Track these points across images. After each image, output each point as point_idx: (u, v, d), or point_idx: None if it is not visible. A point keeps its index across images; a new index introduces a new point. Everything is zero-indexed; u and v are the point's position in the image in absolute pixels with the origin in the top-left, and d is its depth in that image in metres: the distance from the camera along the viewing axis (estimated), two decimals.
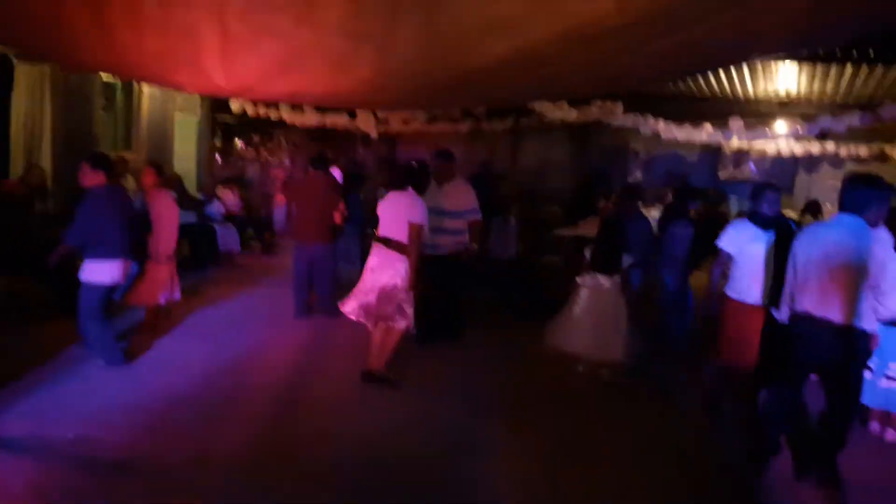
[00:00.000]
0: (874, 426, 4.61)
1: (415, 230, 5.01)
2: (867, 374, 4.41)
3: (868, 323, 3.73)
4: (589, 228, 8.34)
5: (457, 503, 3.63)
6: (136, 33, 3.98)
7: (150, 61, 4.80)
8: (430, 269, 5.71)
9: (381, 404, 4.87)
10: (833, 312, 3.69)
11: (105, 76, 9.77)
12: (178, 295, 6.33)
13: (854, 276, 3.68)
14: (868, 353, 3.96)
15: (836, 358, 3.73)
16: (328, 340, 6.33)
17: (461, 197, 6.14)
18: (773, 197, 4.65)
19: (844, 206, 3.79)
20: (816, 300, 3.75)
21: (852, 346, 3.71)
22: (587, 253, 5.61)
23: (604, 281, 5.43)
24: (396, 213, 5.11)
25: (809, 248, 3.84)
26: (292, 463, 3.92)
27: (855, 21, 3.28)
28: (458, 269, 6.23)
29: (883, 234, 3.90)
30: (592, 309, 5.40)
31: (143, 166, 6.90)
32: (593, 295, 5.44)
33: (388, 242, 5.09)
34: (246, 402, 4.80)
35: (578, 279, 5.61)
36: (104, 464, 3.78)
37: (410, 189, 5.19)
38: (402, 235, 5.04)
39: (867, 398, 4.47)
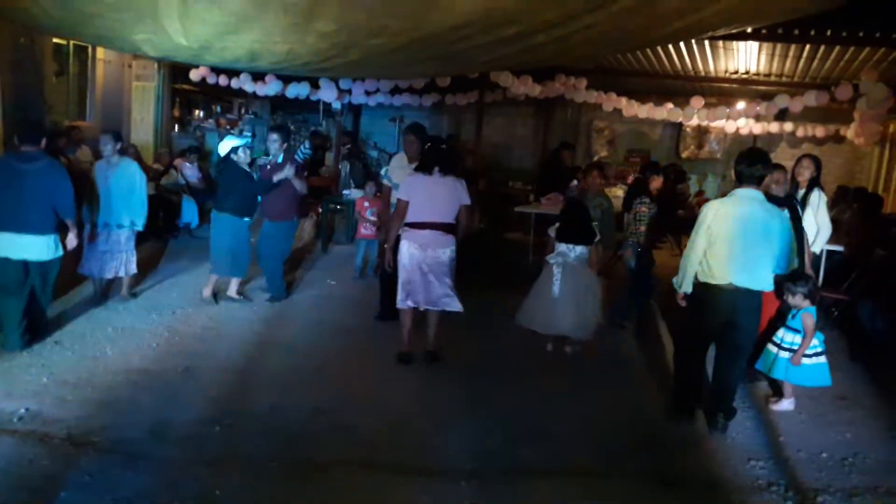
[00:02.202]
0: (785, 403, 4.67)
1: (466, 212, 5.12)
2: (785, 354, 4.55)
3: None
4: (552, 205, 8.40)
5: (414, 466, 3.65)
6: None
7: (105, 19, 4.64)
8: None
9: (339, 376, 4.87)
10: (754, 280, 4.07)
11: (57, 40, 9.45)
12: (133, 268, 6.20)
13: (768, 244, 4.10)
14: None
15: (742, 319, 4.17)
16: (286, 314, 6.27)
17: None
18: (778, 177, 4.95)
19: (743, 180, 4.14)
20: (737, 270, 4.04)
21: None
22: (552, 230, 5.60)
23: (569, 252, 5.40)
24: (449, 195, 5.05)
25: (725, 222, 4.10)
26: (251, 435, 3.90)
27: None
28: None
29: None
30: (562, 286, 5.38)
31: (98, 135, 6.70)
32: (561, 271, 5.42)
33: (433, 226, 5.02)
34: (202, 374, 4.73)
35: (547, 258, 5.60)
36: (58, 438, 3.70)
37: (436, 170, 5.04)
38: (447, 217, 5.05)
39: (792, 377, 4.57)
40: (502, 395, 4.70)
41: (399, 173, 5.63)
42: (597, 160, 13.86)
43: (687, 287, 4.31)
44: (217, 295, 6.44)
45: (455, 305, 5.12)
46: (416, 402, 4.48)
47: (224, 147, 6.11)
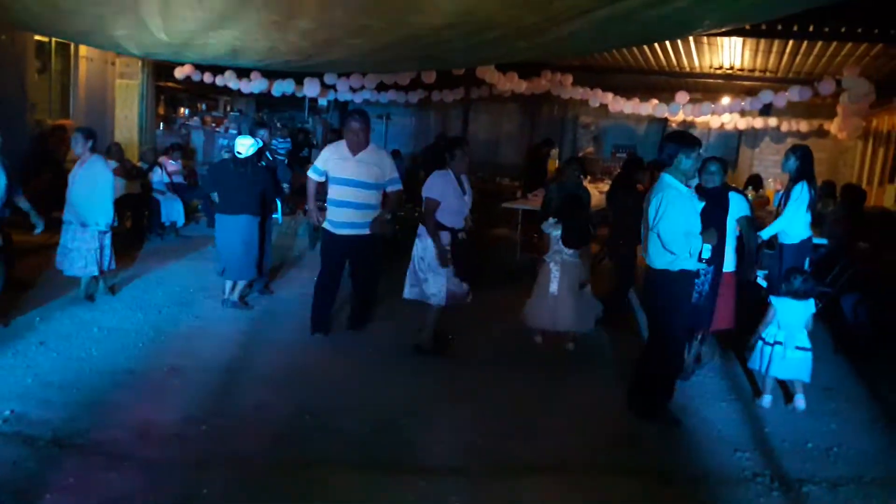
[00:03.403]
0: (767, 399, 4.67)
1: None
2: (775, 349, 4.58)
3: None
4: (539, 201, 8.42)
5: (400, 464, 3.65)
6: None
7: (85, 14, 4.59)
8: (342, 252, 5.47)
9: (329, 374, 4.85)
10: (649, 258, 4.27)
11: (39, 37, 9.35)
12: (112, 265, 6.16)
13: (648, 227, 4.22)
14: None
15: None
16: (273, 313, 6.25)
17: (383, 166, 5.40)
18: (714, 168, 4.79)
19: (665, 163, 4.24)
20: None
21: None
22: (549, 228, 5.62)
23: (570, 255, 5.49)
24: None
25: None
26: (236, 435, 3.88)
27: None
28: (377, 251, 5.68)
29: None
30: (560, 284, 5.46)
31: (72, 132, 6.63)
32: (560, 270, 5.49)
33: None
34: (188, 374, 4.69)
35: (545, 256, 5.65)
36: (44, 440, 3.67)
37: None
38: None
39: (776, 369, 4.61)
40: (489, 390, 4.71)
41: (341, 164, 5.29)
42: (581, 155, 13.93)
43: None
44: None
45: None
46: (403, 400, 4.47)
47: (243, 146, 5.96)
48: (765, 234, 5.79)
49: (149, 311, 5.99)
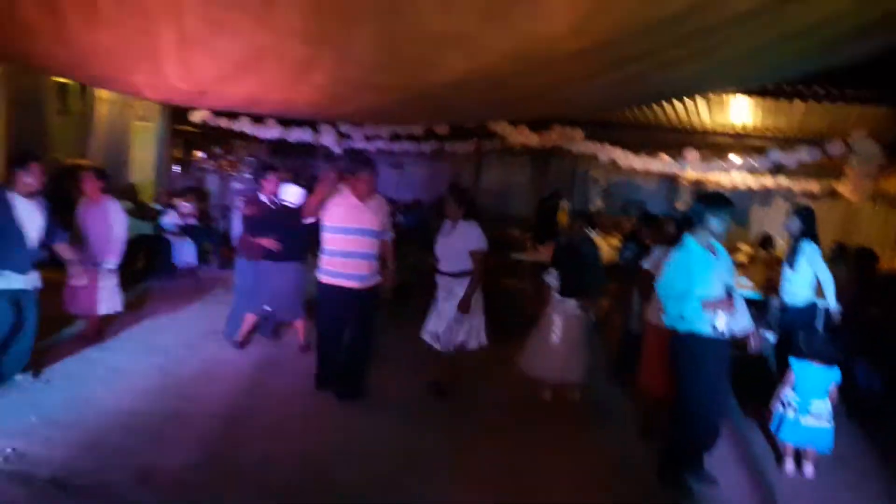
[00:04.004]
0: (789, 463, 4.60)
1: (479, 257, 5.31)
2: (788, 413, 4.54)
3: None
4: (549, 254, 8.43)
5: None
6: (92, 29, 3.91)
7: (106, 59, 4.71)
8: (348, 305, 5.12)
9: (331, 423, 4.80)
10: None
11: (60, 79, 9.57)
12: (119, 306, 6.18)
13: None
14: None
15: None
16: (277, 358, 6.22)
17: (384, 214, 5.28)
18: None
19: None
20: None
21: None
22: (550, 279, 5.64)
23: (571, 306, 5.51)
24: (465, 243, 5.32)
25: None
26: (238, 483, 3.83)
27: (813, 59, 3.39)
28: (377, 305, 5.42)
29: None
30: (562, 334, 5.47)
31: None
32: (562, 321, 5.51)
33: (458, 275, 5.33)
34: (192, 418, 4.66)
35: (547, 307, 5.66)
36: (42, 480, 3.64)
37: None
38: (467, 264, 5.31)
39: (789, 435, 4.55)
40: (492, 444, 4.65)
41: (352, 213, 5.05)
42: (591, 210, 13.99)
43: None
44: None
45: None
46: (405, 453, 4.40)
47: (293, 195, 6.17)
48: (830, 303, 5.69)
49: (156, 352, 5.97)
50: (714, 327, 3.95)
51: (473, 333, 5.45)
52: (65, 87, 10.13)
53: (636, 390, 5.37)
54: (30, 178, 4.79)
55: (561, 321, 5.50)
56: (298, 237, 6.12)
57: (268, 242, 6.04)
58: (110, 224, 5.99)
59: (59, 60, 5.11)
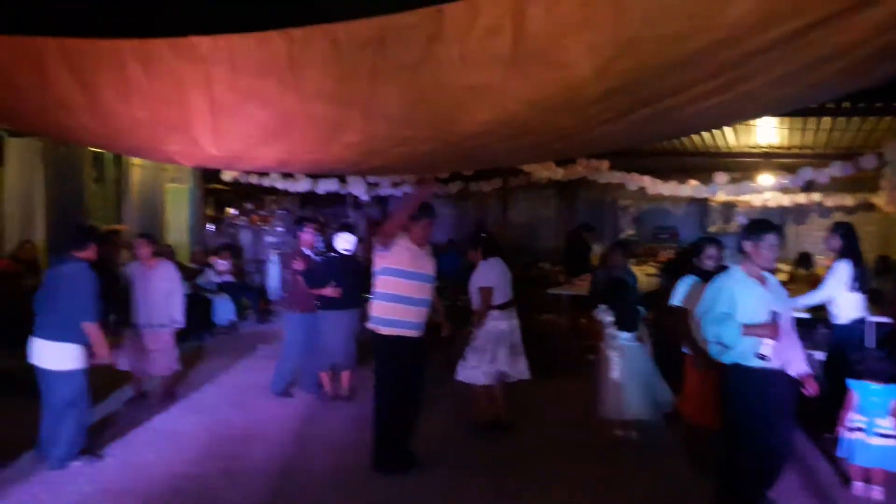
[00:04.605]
0: (858, 486, 4.48)
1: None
2: (857, 436, 4.43)
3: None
4: (585, 286, 8.37)
5: None
6: (123, 101, 4.04)
7: (139, 131, 4.84)
8: (413, 357, 4.75)
9: (387, 480, 4.68)
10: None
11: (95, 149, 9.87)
12: (175, 365, 6.33)
13: None
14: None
15: None
16: (323, 410, 6.23)
17: (432, 260, 5.04)
18: (712, 252, 4.89)
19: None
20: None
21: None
22: (601, 315, 5.58)
23: (625, 339, 5.42)
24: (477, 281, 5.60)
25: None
26: None
27: (843, 82, 3.36)
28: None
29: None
30: (623, 370, 5.35)
31: (134, 238, 6.93)
32: (622, 355, 5.40)
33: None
34: (241, 477, 4.67)
35: (602, 344, 5.58)
36: None
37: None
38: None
39: (858, 457, 4.44)
40: (544, 487, 4.57)
41: (420, 259, 4.79)
42: (623, 238, 13.92)
43: None
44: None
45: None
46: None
47: (348, 242, 6.40)
48: (801, 302, 5.70)
49: (202, 411, 6.03)
50: (760, 356, 3.78)
51: (514, 366, 5.52)
52: (100, 155, 10.44)
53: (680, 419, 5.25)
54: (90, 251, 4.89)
55: (618, 357, 5.39)
56: (356, 284, 6.36)
57: (331, 291, 6.20)
58: (169, 285, 6.19)
59: (94, 133, 5.26)
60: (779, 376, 3.91)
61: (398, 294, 4.65)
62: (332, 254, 6.53)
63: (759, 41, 2.58)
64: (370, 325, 4.78)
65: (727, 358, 3.93)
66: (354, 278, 6.35)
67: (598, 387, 5.51)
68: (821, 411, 4.86)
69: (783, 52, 2.72)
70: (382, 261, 4.70)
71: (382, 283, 4.70)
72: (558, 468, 4.93)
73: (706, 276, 4.66)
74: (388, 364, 4.70)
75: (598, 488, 4.59)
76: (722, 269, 4.69)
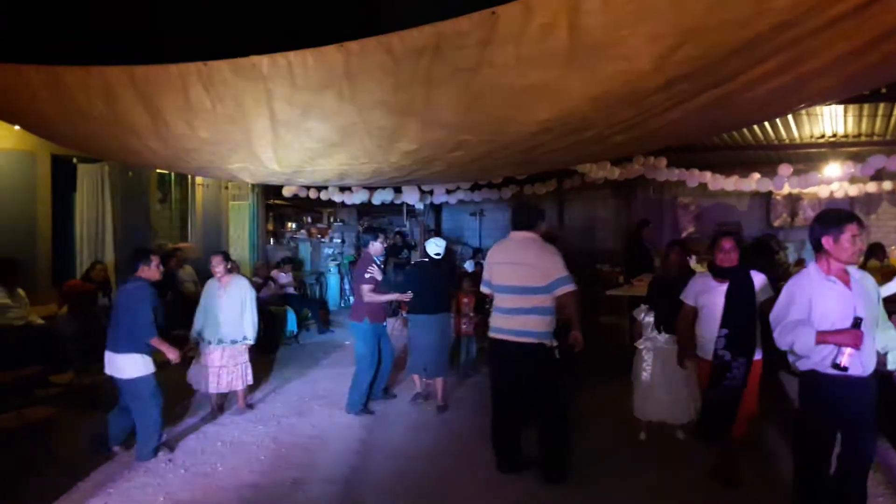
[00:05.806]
0: None
1: None
2: None
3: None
4: (643, 287, 8.21)
5: None
6: (188, 123, 4.19)
7: (204, 151, 5.00)
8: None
9: (443, 481, 4.75)
10: None
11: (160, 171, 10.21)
12: (249, 379, 6.46)
13: None
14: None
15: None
16: (387, 418, 6.26)
17: None
18: (728, 246, 4.39)
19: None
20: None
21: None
22: (640, 315, 5.49)
23: (663, 340, 5.30)
24: None
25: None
26: None
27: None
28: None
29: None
30: (660, 371, 5.26)
31: (198, 255, 7.11)
32: (656, 356, 5.32)
33: None
34: (309, 486, 4.73)
35: (637, 343, 5.49)
36: None
37: None
38: None
39: None
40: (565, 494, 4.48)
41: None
42: (684, 236, 13.61)
43: None
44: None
45: None
46: None
47: (438, 247, 6.52)
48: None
49: (268, 422, 6.13)
50: (836, 365, 3.39)
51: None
52: (165, 177, 10.80)
53: None
54: (152, 269, 5.31)
55: (653, 357, 5.30)
56: (445, 288, 6.59)
57: (401, 296, 6.46)
58: (242, 301, 6.35)
59: (161, 156, 5.47)
60: (861, 386, 3.49)
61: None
62: (424, 259, 6.69)
63: (821, 18, 2.50)
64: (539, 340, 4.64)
65: (802, 365, 3.61)
66: (444, 283, 6.58)
67: (634, 387, 5.49)
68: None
69: (843, 28, 2.63)
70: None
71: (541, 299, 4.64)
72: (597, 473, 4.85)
73: (720, 273, 4.41)
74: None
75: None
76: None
